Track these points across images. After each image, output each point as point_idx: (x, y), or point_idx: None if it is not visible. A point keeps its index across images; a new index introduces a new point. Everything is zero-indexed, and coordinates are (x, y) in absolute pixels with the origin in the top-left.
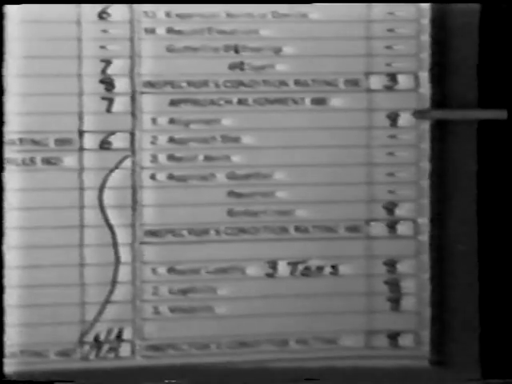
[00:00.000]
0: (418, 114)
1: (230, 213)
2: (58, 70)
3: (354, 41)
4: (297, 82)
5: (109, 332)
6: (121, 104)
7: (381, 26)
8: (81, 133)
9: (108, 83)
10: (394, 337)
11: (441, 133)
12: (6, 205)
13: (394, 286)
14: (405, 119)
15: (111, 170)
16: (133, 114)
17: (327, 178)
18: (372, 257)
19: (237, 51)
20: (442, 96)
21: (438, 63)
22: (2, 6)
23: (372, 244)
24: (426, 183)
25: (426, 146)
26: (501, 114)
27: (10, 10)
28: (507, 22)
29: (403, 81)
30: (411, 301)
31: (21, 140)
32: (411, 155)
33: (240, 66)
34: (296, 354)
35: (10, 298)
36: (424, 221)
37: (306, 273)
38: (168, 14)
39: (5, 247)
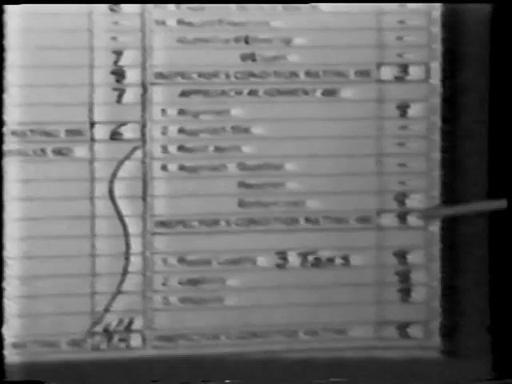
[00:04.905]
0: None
1: (241, 203)
2: (69, 61)
3: (364, 32)
4: (307, 73)
5: (119, 322)
6: (131, 95)
7: (392, 17)
8: (92, 124)
9: (119, 74)
10: (404, 327)
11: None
12: (17, 195)
13: (404, 276)
14: (415, 110)
15: (122, 161)
16: (143, 105)
17: (338, 168)
18: (382, 247)
19: (247, 42)
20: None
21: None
22: (2, 5)
23: (382, 235)
24: (436, 174)
25: (436, 136)
26: (501, 204)
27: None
28: None
29: (414, 72)
30: (421, 291)
31: (32, 131)
32: (422, 146)
33: (251, 57)
34: (306, 344)
35: (20, 288)
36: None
37: (317, 263)
38: (178, 6)
39: (14, 238)
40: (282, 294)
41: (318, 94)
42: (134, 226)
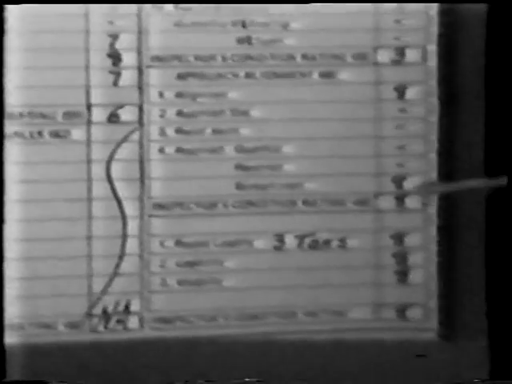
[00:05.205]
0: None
1: (238, 186)
2: (66, 44)
3: (362, 15)
4: (304, 57)
5: (116, 304)
6: (128, 78)
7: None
8: (89, 106)
9: (115, 57)
10: (401, 309)
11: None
12: (14, 178)
13: (401, 258)
14: (413, 92)
15: (119, 143)
16: (140, 88)
17: (335, 151)
18: (380, 230)
19: (244, 26)
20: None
21: (445, 51)
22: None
23: (380, 217)
24: (434, 156)
25: (434, 118)
26: (501, 181)
27: None
28: None
29: (411, 54)
30: (419, 273)
31: (29, 113)
32: (420, 128)
33: (248, 40)
34: (304, 326)
35: (17, 270)
36: (432, 195)
37: (314, 246)
38: None
39: (12, 221)
40: (280, 276)
41: (316, 76)
42: (131, 208)
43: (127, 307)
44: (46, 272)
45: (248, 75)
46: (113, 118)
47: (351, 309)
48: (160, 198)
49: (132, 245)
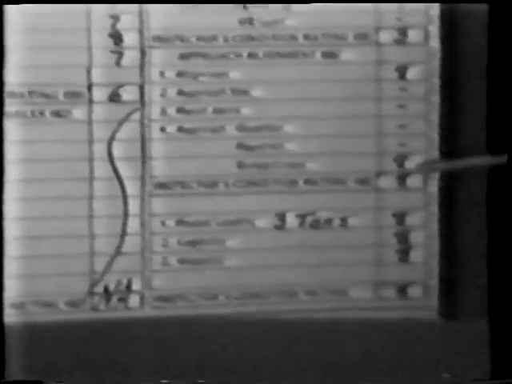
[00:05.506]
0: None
1: (240, 165)
2: (68, 25)
3: None
4: (306, 37)
5: (118, 283)
6: (130, 58)
7: None
8: (90, 86)
9: (117, 37)
10: (402, 288)
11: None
12: (15, 157)
13: (402, 237)
14: (414, 72)
15: (120, 123)
16: (141, 68)
17: (337, 130)
18: (381, 209)
19: (246, 7)
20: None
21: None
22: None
23: (381, 196)
24: (435, 135)
25: (435, 98)
26: (501, 159)
27: None
28: None
29: (413, 35)
30: (420, 252)
31: (30, 93)
32: (421, 107)
33: (249, 21)
34: (305, 305)
35: (20, 248)
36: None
37: (315, 225)
38: None
39: (13, 199)
40: (281, 255)
41: (318, 56)
42: (132, 188)
43: (128, 286)
44: (48, 251)
45: (250, 55)
46: (114, 98)
47: (352, 287)
48: (161, 178)
49: (133, 224)
